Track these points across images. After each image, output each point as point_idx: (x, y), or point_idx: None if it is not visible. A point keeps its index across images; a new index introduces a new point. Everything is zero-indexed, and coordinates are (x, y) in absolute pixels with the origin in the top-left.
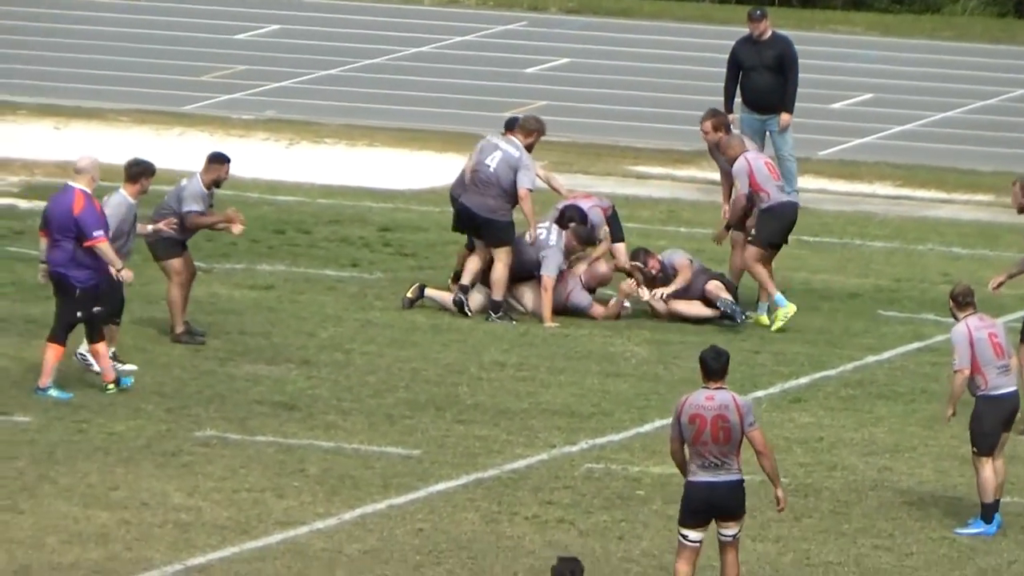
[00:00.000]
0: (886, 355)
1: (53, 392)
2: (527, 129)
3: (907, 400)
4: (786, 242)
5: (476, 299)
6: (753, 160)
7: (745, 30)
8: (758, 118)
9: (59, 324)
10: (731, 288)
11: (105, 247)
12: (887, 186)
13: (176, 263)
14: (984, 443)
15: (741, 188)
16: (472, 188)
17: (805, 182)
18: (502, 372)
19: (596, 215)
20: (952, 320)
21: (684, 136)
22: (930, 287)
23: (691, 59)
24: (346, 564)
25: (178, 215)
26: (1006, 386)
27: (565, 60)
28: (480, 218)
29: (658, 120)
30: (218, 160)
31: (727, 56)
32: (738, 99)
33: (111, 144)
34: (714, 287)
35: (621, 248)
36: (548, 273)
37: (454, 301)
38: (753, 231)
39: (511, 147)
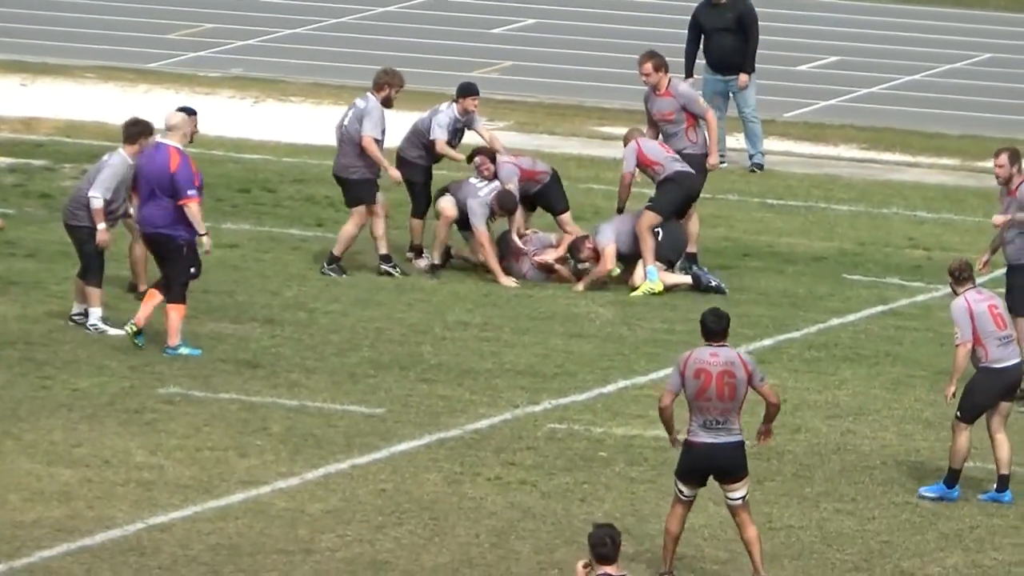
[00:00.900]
0: (850, 318)
1: (183, 350)
2: (376, 84)
3: (871, 363)
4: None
5: (422, 262)
6: (643, 141)
7: None
8: (721, 79)
9: (175, 285)
10: (692, 256)
11: (196, 208)
12: (852, 149)
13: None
14: (969, 412)
15: (626, 168)
16: (337, 152)
17: (770, 144)
18: (466, 332)
19: (508, 170)
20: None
21: None
22: (895, 251)
23: (658, 21)
24: (308, 523)
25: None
26: (1008, 358)
27: (531, 21)
28: (339, 178)
29: (624, 81)
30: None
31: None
32: (700, 61)
33: (77, 101)
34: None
35: (566, 218)
36: (478, 225)
37: (425, 269)
38: (652, 198)
39: (362, 101)
